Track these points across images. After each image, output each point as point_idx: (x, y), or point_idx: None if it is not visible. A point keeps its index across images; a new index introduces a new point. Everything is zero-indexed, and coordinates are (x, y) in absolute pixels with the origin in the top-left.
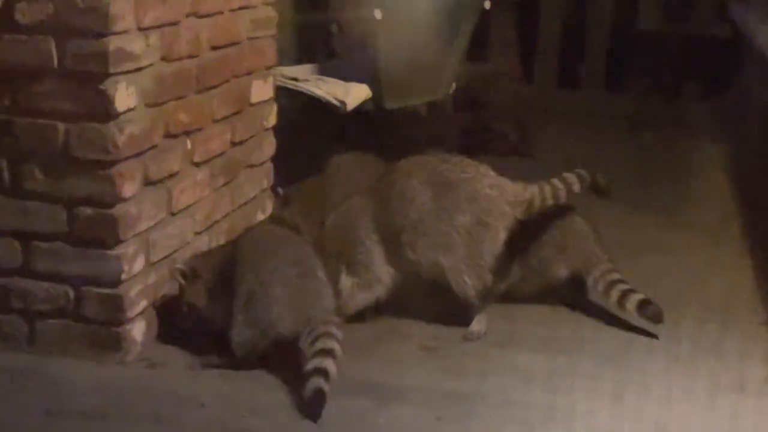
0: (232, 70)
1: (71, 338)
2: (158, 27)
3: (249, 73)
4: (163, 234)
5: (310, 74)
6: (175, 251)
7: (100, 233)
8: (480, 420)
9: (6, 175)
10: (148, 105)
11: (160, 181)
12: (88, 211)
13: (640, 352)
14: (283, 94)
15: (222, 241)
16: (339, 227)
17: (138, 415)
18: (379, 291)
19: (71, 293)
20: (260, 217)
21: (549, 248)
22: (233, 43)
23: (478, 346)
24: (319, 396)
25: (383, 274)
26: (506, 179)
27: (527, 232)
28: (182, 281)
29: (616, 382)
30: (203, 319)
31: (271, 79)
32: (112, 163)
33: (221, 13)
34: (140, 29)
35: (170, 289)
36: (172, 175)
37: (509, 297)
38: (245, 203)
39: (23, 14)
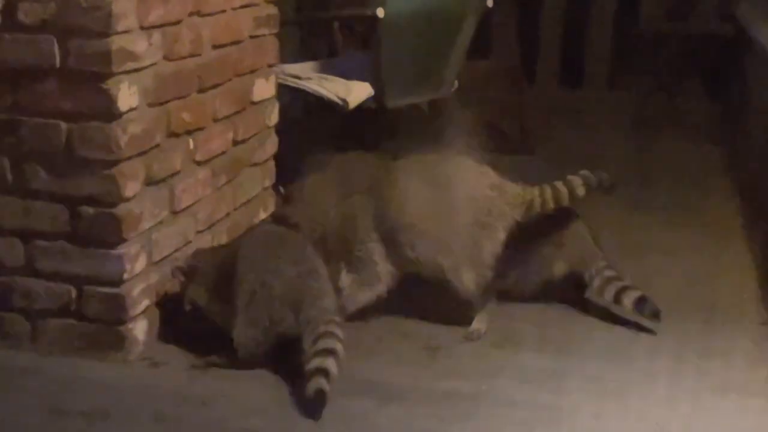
0: (234, 69)
1: (73, 337)
2: (160, 26)
3: (251, 72)
4: (165, 233)
5: (312, 72)
6: (176, 250)
7: (102, 232)
8: (480, 420)
9: (9, 174)
10: (151, 104)
11: (162, 180)
12: (90, 210)
13: (640, 351)
14: (284, 91)
15: (224, 240)
16: (339, 225)
17: (140, 414)
18: (380, 289)
19: (73, 292)
20: (262, 215)
21: (547, 246)
22: (235, 42)
23: (478, 346)
24: (320, 396)
25: (383, 273)
26: (507, 180)
27: (525, 231)
28: (183, 279)
29: (617, 382)
30: (204, 318)
31: (273, 78)
32: (115, 163)
33: (223, 11)
34: (142, 28)
35: (172, 287)
36: (174, 175)
37: (509, 296)
38: (247, 202)
39: (26, 14)
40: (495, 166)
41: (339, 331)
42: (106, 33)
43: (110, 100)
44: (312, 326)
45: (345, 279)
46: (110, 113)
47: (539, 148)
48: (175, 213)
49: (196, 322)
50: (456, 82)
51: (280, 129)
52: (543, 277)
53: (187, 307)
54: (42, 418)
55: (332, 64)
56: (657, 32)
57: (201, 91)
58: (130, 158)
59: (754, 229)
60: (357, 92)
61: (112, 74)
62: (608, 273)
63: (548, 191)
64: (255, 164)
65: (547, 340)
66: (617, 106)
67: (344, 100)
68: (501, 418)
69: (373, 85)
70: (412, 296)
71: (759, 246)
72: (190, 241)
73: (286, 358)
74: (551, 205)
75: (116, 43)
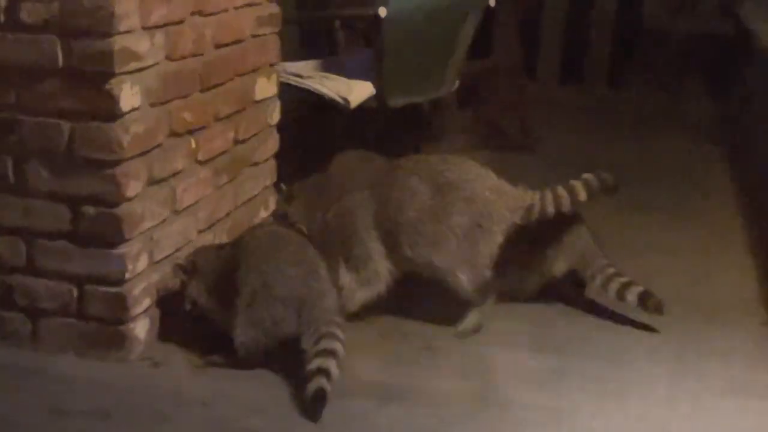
0: (236, 68)
1: (74, 336)
2: (163, 26)
3: (253, 71)
4: (166, 232)
5: (314, 71)
6: (177, 250)
7: (104, 232)
8: (481, 420)
9: (10, 173)
10: (153, 104)
11: (164, 180)
12: (91, 210)
13: (641, 352)
14: (285, 90)
15: (225, 239)
16: (339, 221)
17: (141, 413)
18: (379, 287)
19: (75, 292)
20: (263, 214)
21: (547, 245)
22: (238, 41)
23: (478, 346)
24: (321, 397)
25: (382, 270)
26: (507, 183)
27: (525, 230)
28: (183, 277)
29: (617, 383)
30: (204, 318)
31: (275, 76)
32: (117, 163)
33: (226, 11)
34: (145, 29)
35: (173, 285)
36: (175, 174)
37: (509, 296)
38: (248, 201)
39: (28, 13)
40: (495, 166)
41: (340, 332)
42: (108, 33)
43: (112, 101)
44: (313, 327)
45: (344, 275)
46: (112, 113)
47: (540, 147)
48: (176, 212)
49: (196, 321)
50: (457, 81)
51: (281, 127)
52: (543, 275)
53: (188, 306)
54: (42, 417)
55: (333, 62)
56: (659, 30)
57: (203, 90)
58: (131, 158)
59: (754, 229)
60: (358, 91)
61: (114, 74)
62: (610, 270)
63: (549, 196)
64: (256, 163)
65: (547, 340)
66: (618, 105)
67: (346, 99)
68: (501, 419)
69: (374, 83)
70: (411, 296)
71: (759, 246)
72: (191, 241)
73: (286, 358)
74: (551, 209)
75: (119, 43)
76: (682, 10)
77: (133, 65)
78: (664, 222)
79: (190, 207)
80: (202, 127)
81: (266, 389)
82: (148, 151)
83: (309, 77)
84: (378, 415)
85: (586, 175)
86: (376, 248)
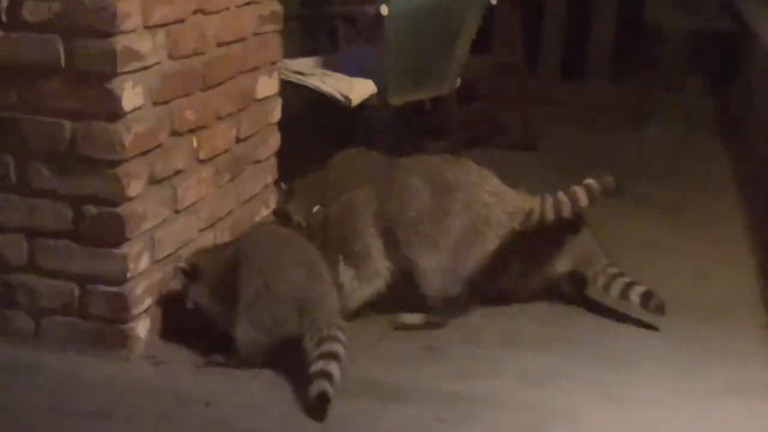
0: (237, 67)
1: (76, 335)
2: (165, 25)
3: (255, 69)
4: (168, 232)
5: (315, 68)
6: (179, 249)
7: (105, 231)
8: (482, 421)
9: (13, 172)
10: (155, 104)
11: (166, 179)
12: (93, 209)
13: (642, 352)
14: (286, 87)
15: (226, 238)
16: (338, 218)
17: (142, 412)
18: (379, 284)
19: (76, 290)
20: (264, 212)
21: (549, 244)
22: (239, 40)
23: (479, 346)
24: (323, 400)
25: (382, 268)
26: (508, 187)
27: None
28: (185, 278)
29: (618, 383)
30: (206, 318)
31: (276, 74)
32: (119, 162)
33: (227, 9)
34: (147, 28)
35: (175, 285)
36: (177, 173)
37: (510, 295)
38: (249, 199)
39: (31, 13)
40: (497, 164)
41: (342, 335)
42: (110, 33)
43: (115, 100)
44: (315, 328)
45: (343, 272)
46: (114, 113)
47: (541, 144)
48: (177, 211)
49: (197, 322)
50: (458, 79)
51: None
52: (545, 275)
53: (190, 305)
54: (44, 415)
55: (335, 60)
56: (661, 26)
57: (205, 89)
58: (134, 157)
59: (758, 228)
60: (360, 89)
61: (116, 74)
62: (612, 270)
63: (549, 202)
64: (257, 161)
65: (547, 340)
66: (619, 101)
67: (347, 97)
68: (502, 419)
69: (376, 81)
70: (412, 296)
71: (760, 246)
72: (193, 240)
73: (288, 357)
74: (551, 216)
75: (121, 42)
76: (680, 8)
77: (135, 65)
78: (665, 220)
79: (192, 206)
80: (204, 126)
81: (267, 389)
82: (149, 151)
83: (310, 75)
84: (378, 415)
85: (588, 180)
86: (375, 246)
